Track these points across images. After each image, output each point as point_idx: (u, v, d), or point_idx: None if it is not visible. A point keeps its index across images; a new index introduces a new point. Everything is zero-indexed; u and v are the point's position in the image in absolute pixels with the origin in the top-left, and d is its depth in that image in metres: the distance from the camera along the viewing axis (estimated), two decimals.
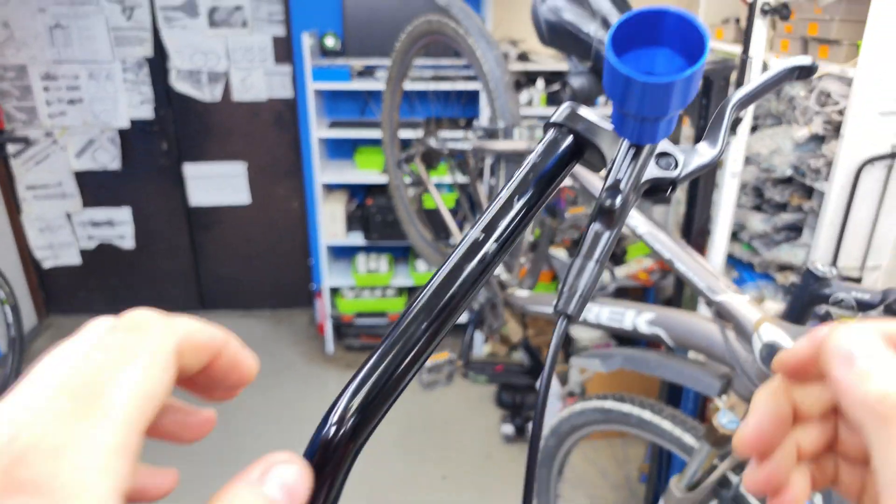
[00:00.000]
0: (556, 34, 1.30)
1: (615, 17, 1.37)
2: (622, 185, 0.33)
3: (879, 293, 0.87)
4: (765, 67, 1.75)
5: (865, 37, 1.50)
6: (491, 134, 1.65)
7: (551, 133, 0.36)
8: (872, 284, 1.75)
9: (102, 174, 2.79)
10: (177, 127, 2.77)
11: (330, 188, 2.73)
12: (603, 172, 0.35)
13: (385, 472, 2.17)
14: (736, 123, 1.49)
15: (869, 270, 1.78)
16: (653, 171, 0.35)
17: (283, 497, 0.21)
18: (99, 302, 3.03)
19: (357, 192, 2.88)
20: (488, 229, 0.32)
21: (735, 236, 2.13)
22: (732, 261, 2.13)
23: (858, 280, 1.78)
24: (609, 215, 0.33)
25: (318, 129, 2.52)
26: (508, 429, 2.37)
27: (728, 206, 1.59)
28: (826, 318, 0.89)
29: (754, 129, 2.11)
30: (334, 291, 2.84)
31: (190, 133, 2.78)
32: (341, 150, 2.81)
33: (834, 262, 1.79)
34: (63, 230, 2.87)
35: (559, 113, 0.36)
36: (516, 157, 1.54)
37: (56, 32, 2.58)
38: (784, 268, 2.00)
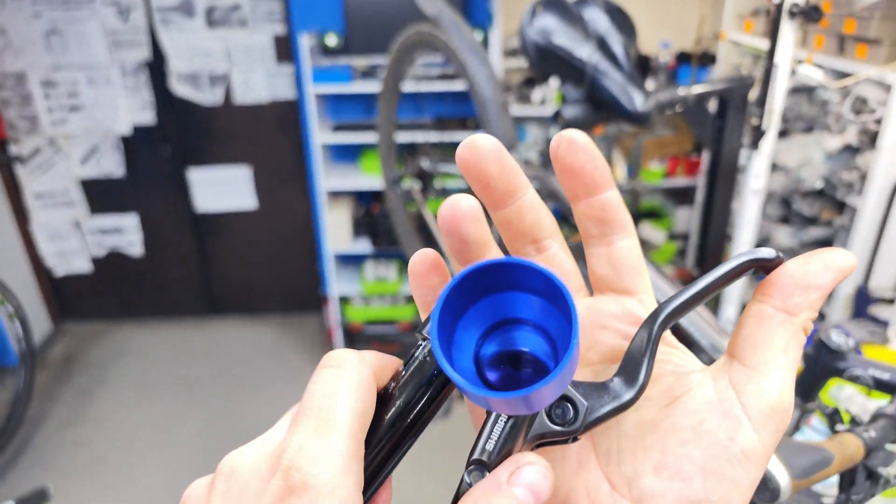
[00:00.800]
0: (546, 59, 1.17)
1: (614, 39, 1.22)
2: (491, 458, 0.26)
3: None
4: (793, 73, 1.58)
5: None
6: None
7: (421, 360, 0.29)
8: None
9: (107, 181, 2.76)
10: (179, 132, 2.71)
11: (335, 194, 2.65)
12: None
13: (408, 490, 2.12)
14: (759, 136, 1.31)
15: None
16: (544, 424, 0.27)
17: (531, 497, 0.24)
18: (112, 308, 3.04)
19: (364, 197, 2.79)
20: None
21: None
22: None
23: (892, 301, 1.63)
24: None
25: (320, 133, 2.43)
26: None
27: (751, 221, 1.45)
28: (835, 418, 0.78)
29: (783, 133, 1.93)
30: (343, 300, 2.78)
31: (193, 138, 2.72)
32: (347, 152, 2.72)
33: (866, 282, 1.64)
34: (72, 238, 2.86)
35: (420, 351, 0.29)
36: None
37: (53, 38, 2.52)
38: None
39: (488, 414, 0.27)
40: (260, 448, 0.25)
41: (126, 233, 2.88)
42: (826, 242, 1.76)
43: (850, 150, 1.68)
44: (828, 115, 1.71)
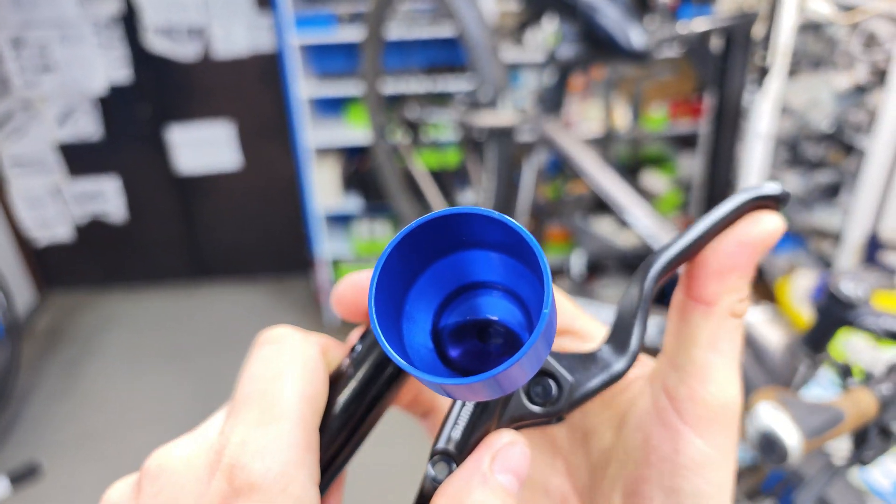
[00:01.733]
0: None
1: None
2: (458, 447, 0.22)
3: None
4: (799, 8, 1.48)
5: None
6: (476, 105, 1.45)
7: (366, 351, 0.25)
8: None
9: (85, 144, 2.66)
10: (157, 90, 2.60)
11: (323, 150, 2.56)
12: None
13: (390, 458, 2.10)
14: (763, 76, 1.21)
15: None
16: (521, 405, 0.23)
17: (516, 482, 0.21)
18: (97, 276, 2.97)
19: (353, 151, 2.70)
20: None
21: None
22: None
23: None
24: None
25: (305, 86, 2.33)
26: None
27: (757, 166, 1.38)
28: (847, 372, 0.74)
29: (791, 73, 1.84)
30: (336, 261, 2.72)
31: (172, 96, 2.61)
32: (332, 105, 2.62)
33: (874, 227, 1.59)
34: (53, 205, 2.78)
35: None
36: (502, 135, 1.35)
37: None
38: (818, 234, 1.79)
39: None
40: (194, 444, 0.22)
41: (107, 197, 2.79)
42: (834, 187, 1.70)
43: (859, 91, 1.60)
44: (836, 52, 1.63)
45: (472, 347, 0.21)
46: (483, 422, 0.22)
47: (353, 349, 0.25)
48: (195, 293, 2.97)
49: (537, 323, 0.17)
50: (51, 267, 2.93)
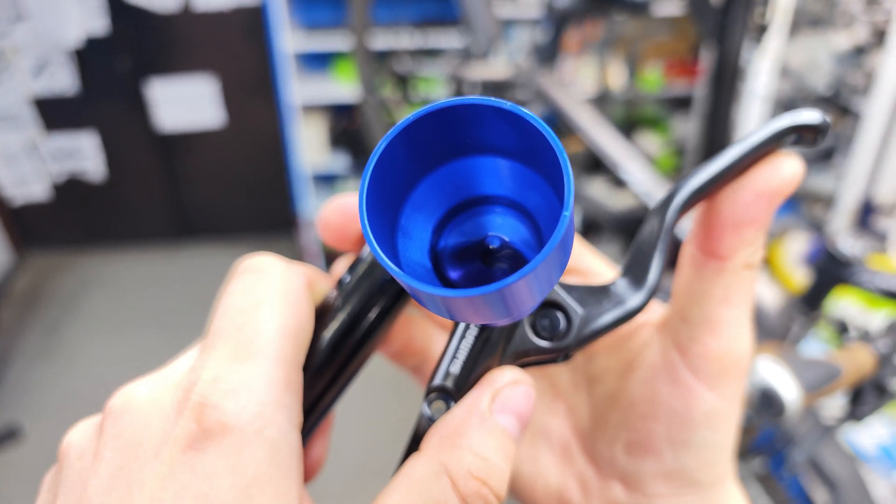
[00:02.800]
0: None
1: None
2: (457, 383, 0.20)
3: None
4: None
5: None
6: (468, 57, 1.40)
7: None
8: None
9: (61, 99, 2.57)
10: (136, 43, 2.50)
11: (310, 107, 2.50)
12: None
13: (378, 409, 2.11)
14: (763, 31, 1.18)
15: None
16: (527, 339, 0.21)
17: (517, 425, 0.20)
18: (76, 236, 2.91)
19: (340, 107, 2.64)
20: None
21: None
22: None
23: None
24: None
25: (290, 39, 2.26)
26: None
27: (754, 128, 1.36)
28: (845, 328, 0.74)
29: (791, 31, 1.80)
30: None
31: (152, 50, 2.53)
32: (319, 60, 2.55)
33: (868, 191, 1.58)
34: (29, 162, 2.70)
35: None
36: (494, 88, 1.31)
37: None
38: (813, 197, 1.78)
39: (454, 328, 0.21)
40: (162, 381, 0.20)
41: (85, 155, 2.71)
42: (828, 151, 1.68)
43: (858, 52, 1.58)
44: (836, 11, 1.60)
45: (475, 270, 0.19)
46: (485, 356, 0.21)
47: (340, 281, 0.23)
48: (177, 253, 2.92)
49: (555, 229, 0.14)
50: (29, 226, 2.86)
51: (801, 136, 0.20)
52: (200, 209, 2.95)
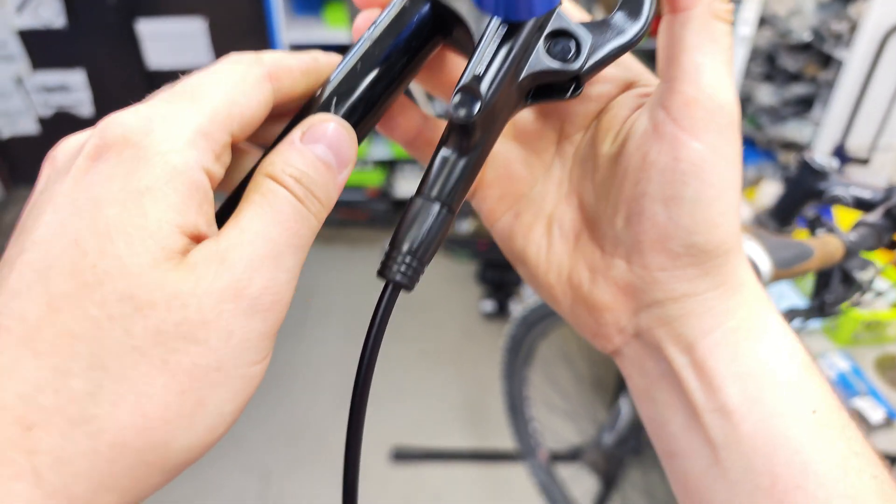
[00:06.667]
0: None
1: None
2: (484, 87, 0.22)
3: (882, 190, 0.77)
4: None
5: None
6: None
7: None
8: (880, 168, 1.61)
9: (48, 33, 2.53)
10: None
11: (299, 47, 2.48)
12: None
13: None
14: None
15: (880, 151, 1.62)
16: (541, 61, 0.23)
17: (331, 155, 0.22)
18: None
19: (334, 49, 2.63)
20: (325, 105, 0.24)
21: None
22: None
23: (866, 161, 1.63)
24: (464, 133, 0.23)
25: None
26: (488, 305, 2.34)
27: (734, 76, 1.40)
28: (816, 223, 0.77)
29: None
30: None
31: None
32: (312, 3, 2.53)
33: (843, 141, 1.63)
34: (15, 96, 2.66)
35: None
36: None
37: None
38: (788, 146, 1.84)
39: (474, 47, 0.23)
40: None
41: (73, 90, 2.68)
42: (808, 100, 1.73)
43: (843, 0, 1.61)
44: None
45: None
46: (507, 64, 0.22)
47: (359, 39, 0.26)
48: None
49: None
50: (17, 162, 2.85)
51: None
52: None
